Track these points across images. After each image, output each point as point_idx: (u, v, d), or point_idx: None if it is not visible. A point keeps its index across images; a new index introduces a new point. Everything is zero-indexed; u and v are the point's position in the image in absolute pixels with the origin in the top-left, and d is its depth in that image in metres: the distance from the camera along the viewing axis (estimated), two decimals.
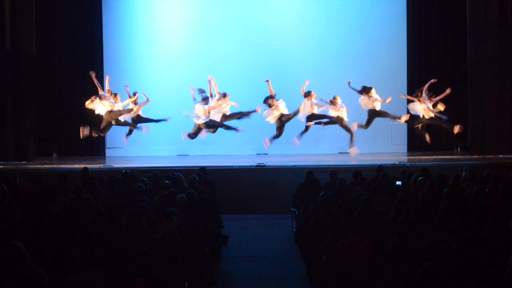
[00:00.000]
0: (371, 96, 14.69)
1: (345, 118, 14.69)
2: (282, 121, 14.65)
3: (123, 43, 17.75)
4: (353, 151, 14.85)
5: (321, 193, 8.44)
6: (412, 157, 15.66)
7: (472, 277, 5.00)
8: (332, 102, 14.64)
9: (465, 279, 4.98)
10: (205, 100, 14.43)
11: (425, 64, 17.57)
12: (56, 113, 17.42)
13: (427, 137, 15.00)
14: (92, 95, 14.86)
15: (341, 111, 14.61)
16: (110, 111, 14.66)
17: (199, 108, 14.39)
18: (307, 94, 14.73)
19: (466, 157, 15.12)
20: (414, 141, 17.20)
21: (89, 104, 14.68)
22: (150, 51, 17.76)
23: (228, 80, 16.42)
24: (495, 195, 7.90)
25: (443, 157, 14.86)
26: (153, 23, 17.80)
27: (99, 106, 14.64)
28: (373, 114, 14.90)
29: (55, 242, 6.02)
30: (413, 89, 16.94)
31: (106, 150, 17.61)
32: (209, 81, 14.77)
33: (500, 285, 4.78)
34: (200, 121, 14.46)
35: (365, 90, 14.75)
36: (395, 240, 6.23)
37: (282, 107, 14.59)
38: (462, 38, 16.33)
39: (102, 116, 14.80)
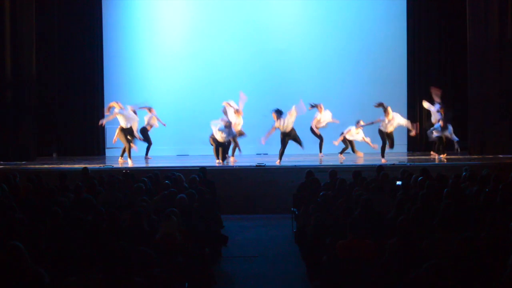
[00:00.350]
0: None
1: (355, 140, 14.86)
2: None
3: (123, 43, 17.75)
4: (340, 158, 14.88)
5: (321, 193, 8.44)
6: (412, 157, 15.65)
7: (472, 277, 5.00)
8: (357, 125, 14.73)
9: (465, 279, 4.98)
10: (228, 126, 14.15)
11: (425, 64, 17.58)
12: (56, 113, 17.42)
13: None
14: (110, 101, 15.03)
15: (358, 135, 14.77)
16: (121, 128, 14.44)
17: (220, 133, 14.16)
18: (313, 106, 14.70)
19: (466, 157, 15.10)
20: (414, 141, 17.19)
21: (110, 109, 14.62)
22: (150, 51, 17.76)
23: (228, 80, 16.43)
24: (495, 195, 7.90)
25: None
26: (153, 23, 17.80)
27: (119, 118, 14.45)
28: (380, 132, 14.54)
29: (55, 242, 6.02)
30: (413, 89, 16.95)
31: (106, 150, 17.61)
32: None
33: (500, 285, 4.78)
34: (220, 138, 14.16)
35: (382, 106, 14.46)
36: (395, 240, 6.22)
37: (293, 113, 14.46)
38: (462, 38, 16.34)
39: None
